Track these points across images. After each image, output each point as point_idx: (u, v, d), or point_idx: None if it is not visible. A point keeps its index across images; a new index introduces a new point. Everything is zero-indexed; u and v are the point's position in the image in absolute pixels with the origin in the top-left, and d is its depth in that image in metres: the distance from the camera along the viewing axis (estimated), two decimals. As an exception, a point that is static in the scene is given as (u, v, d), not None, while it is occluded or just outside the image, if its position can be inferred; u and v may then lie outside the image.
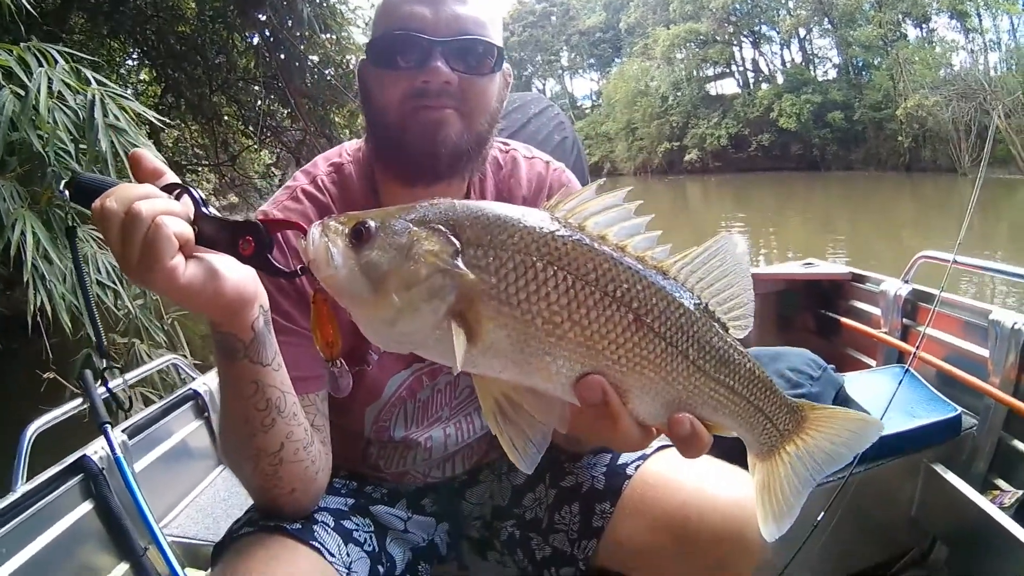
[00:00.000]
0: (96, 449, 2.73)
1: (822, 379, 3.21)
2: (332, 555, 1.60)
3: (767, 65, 73.28)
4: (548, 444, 1.11)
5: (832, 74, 67.48)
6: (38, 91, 4.63)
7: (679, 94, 70.05)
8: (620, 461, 1.83)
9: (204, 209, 1.18)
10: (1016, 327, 3.37)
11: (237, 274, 1.22)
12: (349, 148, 1.86)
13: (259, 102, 13.23)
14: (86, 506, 2.64)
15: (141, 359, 5.84)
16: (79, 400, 2.93)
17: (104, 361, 2.99)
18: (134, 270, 1.10)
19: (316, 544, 1.57)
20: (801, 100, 60.10)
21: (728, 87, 74.15)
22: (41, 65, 4.79)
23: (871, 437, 1.20)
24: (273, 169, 16.14)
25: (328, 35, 11.11)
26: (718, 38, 70.36)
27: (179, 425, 3.36)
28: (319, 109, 12.17)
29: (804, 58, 70.70)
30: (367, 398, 1.80)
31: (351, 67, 11.72)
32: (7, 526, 2.37)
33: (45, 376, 5.55)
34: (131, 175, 1.21)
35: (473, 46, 1.63)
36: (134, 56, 12.91)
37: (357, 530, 1.76)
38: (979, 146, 49.27)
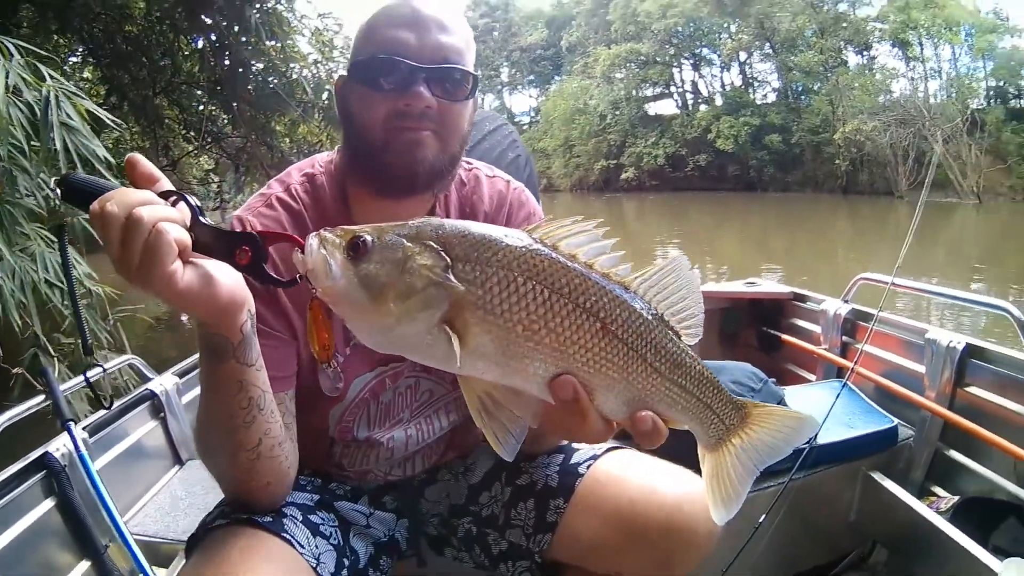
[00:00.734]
0: (58, 446, 2.74)
1: (763, 391, 3.37)
2: (302, 547, 1.68)
3: (707, 87, 74.89)
4: (525, 436, 1.24)
5: (771, 98, 68.97)
6: (-4, 85, 4.55)
7: (618, 113, 71.01)
8: (572, 461, 1.95)
9: (201, 217, 1.23)
10: (951, 345, 3.62)
11: (230, 279, 1.28)
12: (321, 160, 1.94)
13: (201, 107, 13.16)
14: (47, 504, 2.65)
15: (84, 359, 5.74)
16: (42, 397, 2.94)
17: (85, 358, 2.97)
18: (134, 273, 1.14)
19: (287, 536, 1.65)
20: (740, 122, 61.40)
21: (667, 108, 75.32)
22: (-4, 57, 4.70)
23: (806, 433, 1.37)
24: (212, 175, 16.02)
25: (273, 43, 11.07)
26: (659, 59, 71.48)
27: (136, 425, 3.38)
28: (260, 117, 12.11)
29: (744, 81, 72.27)
30: (332, 399, 1.88)
31: (294, 76, 11.71)
32: None
33: (15, 372, 5.42)
34: (128, 180, 1.24)
35: (453, 74, 1.72)
36: (78, 53, 12.71)
37: (323, 524, 1.83)
38: (917, 171, 50.94)
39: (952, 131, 50.87)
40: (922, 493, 3.50)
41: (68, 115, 4.94)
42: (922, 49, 61.40)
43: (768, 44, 67.50)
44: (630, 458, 1.93)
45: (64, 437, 2.77)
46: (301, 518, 1.78)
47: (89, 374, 2.76)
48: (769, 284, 5.46)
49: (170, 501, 3.24)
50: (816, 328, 4.82)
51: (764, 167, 60.76)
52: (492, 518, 2.02)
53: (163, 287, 1.15)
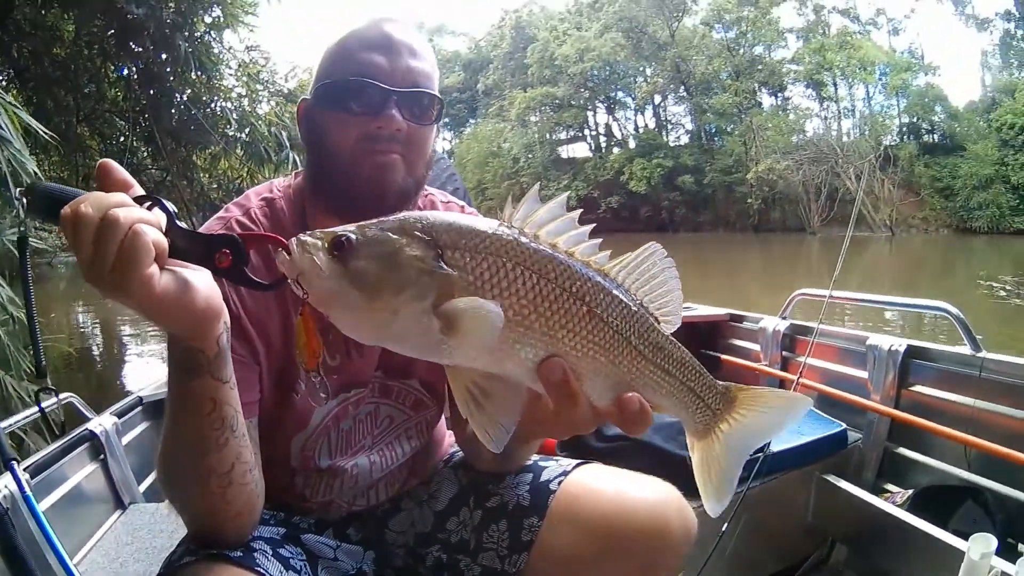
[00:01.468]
0: None
1: None
2: None
3: (620, 130, 76.87)
4: (514, 427, 1.22)
5: (685, 139, 71.19)
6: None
7: (531, 156, 72.41)
8: (543, 478, 1.94)
9: (176, 222, 1.20)
10: (893, 348, 3.88)
11: (207, 287, 1.24)
12: (279, 184, 1.95)
13: (123, 137, 12.95)
14: None
15: (5, 389, 5.57)
16: None
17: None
18: (106, 278, 1.09)
19: (260, 570, 1.61)
20: (652, 164, 63.06)
21: (580, 150, 77.31)
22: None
23: (799, 411, 1.35)
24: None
25: (199, 74, 10.98)
26: (573, 102, 73.22)
27: (77, 466, 3.24)
28: (182, 150, 11.94)
29: (658, 124, 74.34)
30: (294, 428, 1.86)
31: (218, 109, 11.61)
32: None
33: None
34: (99, 186, 1.18)
35: (422, 98, 1.76)
36: (3, 74, 12.40)
37: (292, 558, 1.81)
38: (829, 207, 52.61)
39: (865, 167, 52.62)
40: (876, 491, 3.64)
41: (2, 125, 4.85)
42: (836, 89, 64.03)
43: (683, 87, 69.54)
44: (600, 471, 1.93)
45: (5, 477, 2.56)
46: (271, 551, 1.75)
47: (45, 403, 2.71)
48: (704, 308, 5.63)
49: (115, 547, 3.11)
50: (755, 346, 5.01)
51: (676, 208, 62.81)
52: (462, 543, 1.99)
53: (139, 292, 1.10)
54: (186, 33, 10.31)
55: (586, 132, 76.74)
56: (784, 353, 4.74)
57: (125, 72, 11.64)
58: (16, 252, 1.59)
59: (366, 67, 1.71)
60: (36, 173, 5.01)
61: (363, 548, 2.05)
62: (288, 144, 11.72)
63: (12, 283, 5.44)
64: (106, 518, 3.30)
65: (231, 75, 11.83)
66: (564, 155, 76.47)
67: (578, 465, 1.96)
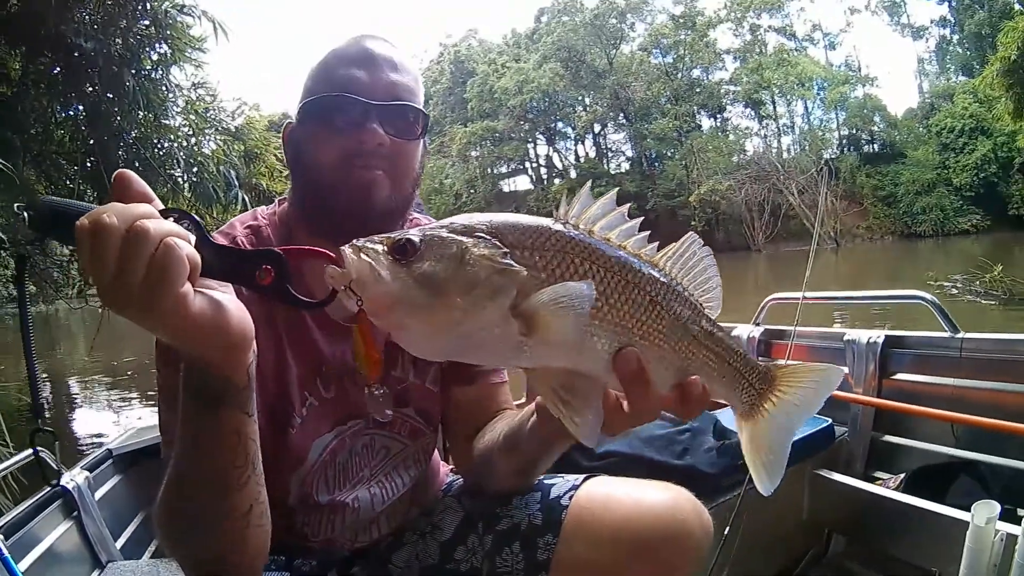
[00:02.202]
0: None
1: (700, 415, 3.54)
2: None
3: (561, 160, 77.51)
4: (602, 417, 1.24)
5: (625, 167, 71.78)
6: None
7: (473, 191, 72.76)
8: (552, 495, 1.89)
9: (207, 237, 1.14)
10: (872, 340, 4.05)
11: (240, 309, 1.17)
12: (263, 212, 1.93)
13: (69, 181, 12.71)
14: None
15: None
16: None
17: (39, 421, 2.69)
18: (134, 297, 1.02)
19: None
20: (594, 194, 62.94)
21: (522, 183, 77.78)
22: None
23: (835, 381, 1.39)
24: (75, 257, 15.42)
25: (146, 113, 10.85)
26: (514, 135, 73.57)
27: (50, 526, 3.08)
28: (130, 192, 11.76)
29: (598, 152, 75.24)
30: (292, 464, 1.81)
31: (165, 148, 11.49)
32: None
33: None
34: (116, 197, 1.08)
35: (405, 112, 1.75)
36: None
37: None
38: (773, 223, 53.33)
39: (807, 181, 53.57)
40: (867, 480, 3.74)
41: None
42: (775, 107, 65.16)
43: (622, 114, 70.11)
44: (610, 482, 1.88)
45: None
46: None
47: (18, 457, 2.61)
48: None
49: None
50: (730, 356, 5.08)
51: (619, 235, 62.97)
52: (474, 572, 1.94)
53: (171, 312, 1.04)
54: (134, 70, 10.18)
55: (527, 164, 77.31)
56: (761, 359, 4.79)
57: (72, 112, 11.46)
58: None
59: (346, 82, 1.71)
60: None
61: None
62: (237, 183, 11.69)
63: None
64: None
65: (178, 113, 11.71)
66: (506, 188, 77.10)
67: (586, 478, 1.91)
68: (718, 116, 70.25)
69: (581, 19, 70.86)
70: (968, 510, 2.66)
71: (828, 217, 51.03)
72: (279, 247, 1.20)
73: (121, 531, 3.46)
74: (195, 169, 11.50)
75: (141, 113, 10.65)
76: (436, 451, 2.18)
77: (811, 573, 3.75)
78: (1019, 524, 2.49)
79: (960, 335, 3.74)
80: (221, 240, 1.62)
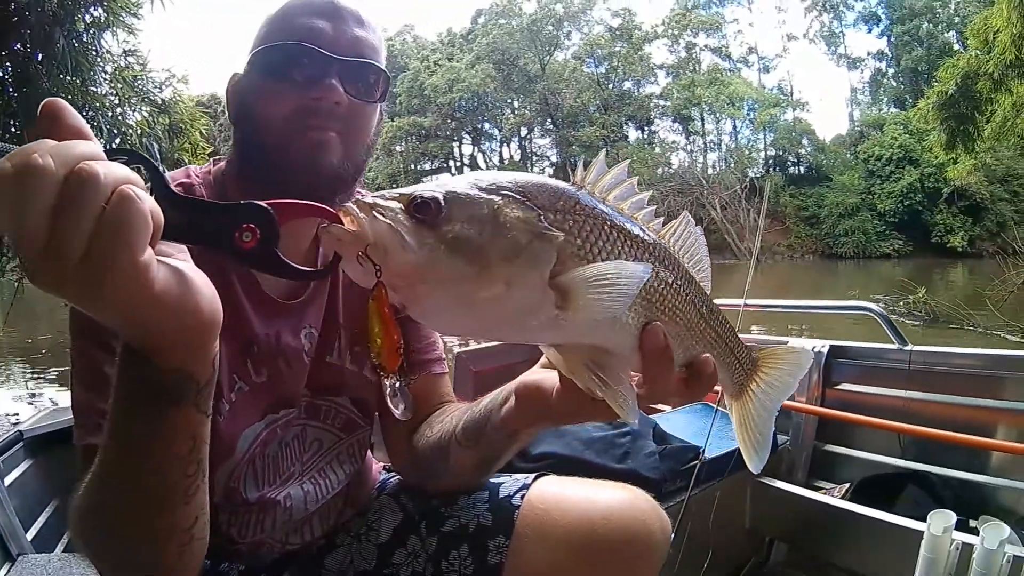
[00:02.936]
0: None
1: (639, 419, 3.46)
2: None
3: (485, 161, 78.00)
4: (635, 394, 1.16)
5: (549, 171, 72.25)
6: None
7: (395, 186, 71.21)
8: (501, 495, 1.81)
9: (170, 185, 0.91)
10: (816, 350, 4.04)
11: (207, 284, 0.95)
12: (196, 171, 1.73)
13: None
14: None
15: None
16: None
17: None
18: (73, 269, 0.78)
19: None
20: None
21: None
22: None
23: (806, 364, 1.40)
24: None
25: (74, 78, 10.45)
26: (440, 133, 73.99)
27: None
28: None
29: (523, 156, 76.03)
30: (220, 456, 1.59)
31: (90, 117, 11.09)
32: None
33: None
34: (44, 133, 0.82)
35: (368, 71, 1.61)
36: None
37: None
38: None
39: (731, 198, 54.84)
40: (808, 489, 3.76)
41: None
42: (703, 123, 66.43)
43: (550, 119, 70.76)
44: (562, 480, 1.81)
45: None
46: None
47: None
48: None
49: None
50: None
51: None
52: None
53: (126, 290, 0.82)
54: (66, 28, 9.81)
55: (451, 163, 77.69)
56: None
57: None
58: None
59: (307, 32, 1.55)
60: None
61: None
62: (159, 157, 11.26)
63: None
64: None
65: (106, 80, 11.33)
66: (428, 184, 76.84)
67: (537, 477, 1.83)
68: (646, 128, 71.57)
69: (518, 23, 71.75)
70: (917, 520, 2.73)
71: (750, 233, 52.40)
72: (266, 201, 0.95)
73: (32, 521, 3.12)
74: (117, 140, 11.10)
75: (68, 77, 10.22)
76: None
77: (753, 581, 3.74)
78: (970, 534, 2.56)
79: (909, 347, 3.80)
80: None
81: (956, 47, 51.99)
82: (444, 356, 1.97)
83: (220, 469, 1.61)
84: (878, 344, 3.98)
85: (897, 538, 2.89)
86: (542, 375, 1.40)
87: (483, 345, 4.07)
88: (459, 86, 68.95)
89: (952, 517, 2.57)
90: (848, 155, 62.42)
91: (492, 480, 1.84)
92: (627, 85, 71.22)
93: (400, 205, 0.96)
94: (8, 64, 10.25)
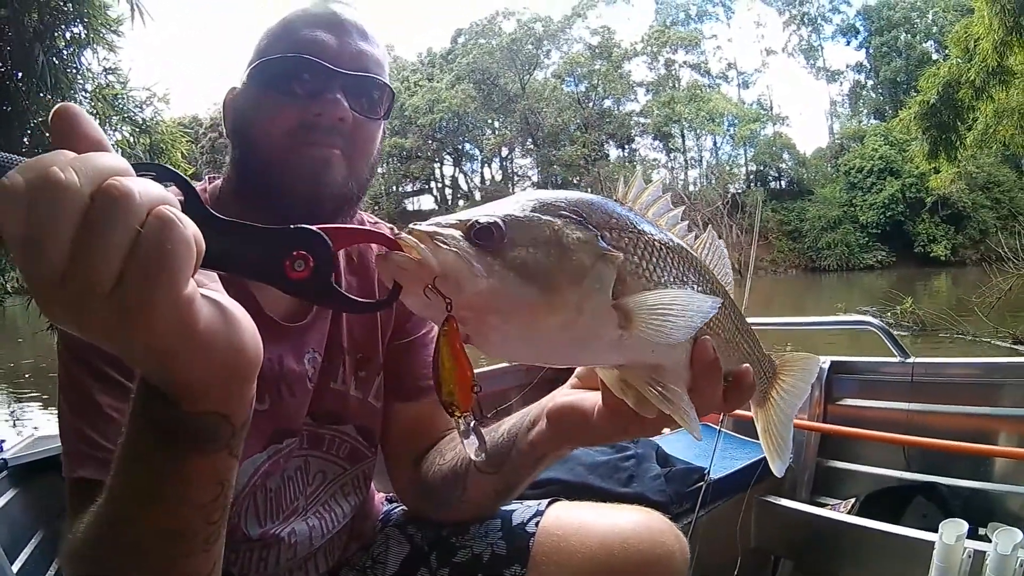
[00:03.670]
0: None
1: (641, 442, 3.52)
2: None
3: (467, 182, 78.13)
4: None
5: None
6: None
7: (377, 208, 72.18)
8: (515, 522, 1.77)
9: (206, 207, 0.81)
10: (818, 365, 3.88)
11: (248, 319, 0.85)
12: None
13: None
14: None
15: None
16: None
17: None
18: (102, 302, 0.68)
19: None
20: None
21: (426, 203, 78.09)
22: None
23: (815, 370, 1.43)
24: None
25: (53, 96, 10.30)
26: (420, 154, 73.84)
27: None
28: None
29: (504, 176, 75.90)
30: None
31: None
32: None
33: None
34: (58, 143, 0.72)
35: (372, 86, 1.57)
36: None
37: None
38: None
39: (713, 214, 55.27)
40: (813, 505, 3.77)
41: None
42: (684, 140, 66.87)
43: (531, 139, 70.94)
44: (576, 506, 1.78)
45: None
46: None
47: None
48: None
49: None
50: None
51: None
52: None
53: (169, 327, 0.72)
54: (46, 45, 9.71)
55: (432, 184, 77.68)
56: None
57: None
58: None
59: (310, 44, 1.50)
60: None
61: None
62: (138, 177, 11.18)
63: None
64: None
65: (86, 99, 11.21)
66: (410, 207, 76.89)
67: (550, 503, 1.79)
68: (626, 146, 71.93)
69: (498, 43, 71.93)
70: (927, 531, 2.76)
71: (732, 250, 52.69)
72: (319, 225, 0.87)
73: (18, 552, 2.93)
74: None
75: (48, 96, 10.09)
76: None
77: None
78: (981, 541, 2.59)
79: (911, 360, 3.82)
80: None
81: (935, 57, 52.52)
82: None
83: None
84: (880, 358, 4.01)
85: (906, 550, 2.90)
86: (576, 396, 1.36)
87: (477, 371, 3.94)
88: (439, 106, 68.91)
89: (964, 526, 2.59)
90: (829, 168, 63.11)
91: (503, 508, 1.79)
92: (607, 103, 71.65)
93: (459, 232, 0.91)
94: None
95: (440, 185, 77.45)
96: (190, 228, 0.70)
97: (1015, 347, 13.59)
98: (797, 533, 3.54)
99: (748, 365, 1.22)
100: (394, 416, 1.83)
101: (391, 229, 1.59)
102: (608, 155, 70.37)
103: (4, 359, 18.53)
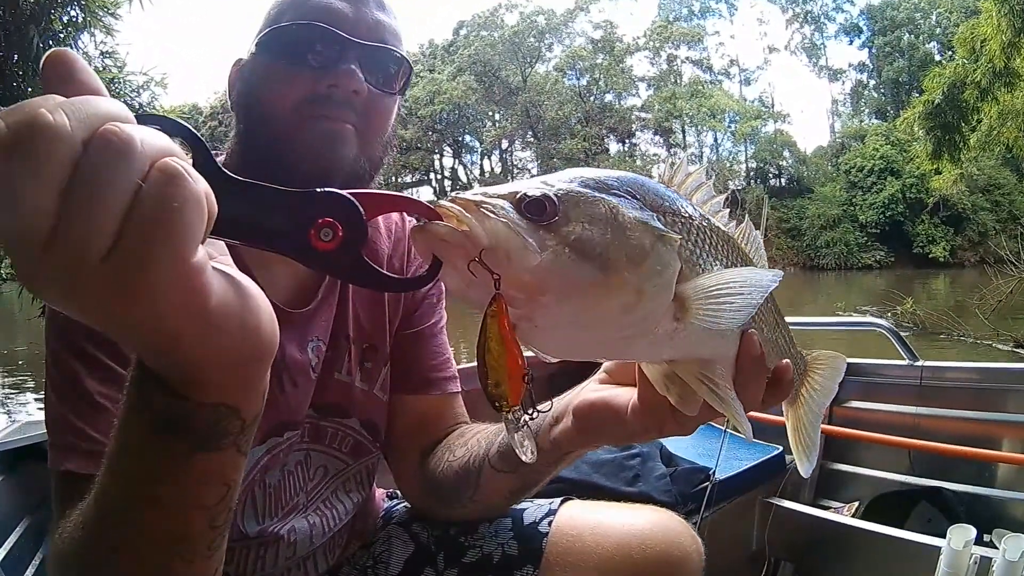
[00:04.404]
0: None
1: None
2: None
3: (466, 174, 77.67)
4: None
5: (531, 185, 73.28)
6: None
7: (376, 199, 72.55)
8: (527, 522, 1.72)
9: (218, 164, 0.72)
10: None
11: (263, 298, 0.76)
12: None
13: None
14: None
15: None
16: None
17: None
18: (95, 268, 0.58)
19: None
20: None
21: (425, 194, 77.30)
22: None
23: (843, 368, 1.38)
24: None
25: None
26: (420, 145, 73.57)
27: None
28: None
29: (504, 168, 75.59)
30: None
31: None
32: None
33: None
34: (51, 87, 0.62)
35: (390, 59, 1.49)
36: None
37: None
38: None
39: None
40: (817, 508, 3.74)
41: None
42: (684, 136, 66.73)
43: (531, 132, 70.70)
44: (590, 505, 1.74)
45: None
46: None
47: None
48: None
49: None
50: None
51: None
52: None
53: (175, 301, 0.62)
54: (42, 28, 9.64)
55: (432, 176, 77.41)
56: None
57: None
58: None
59: (323, 12, 1.42)
60: None
61: None
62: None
63: None
64: None
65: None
66: (409, 198, 77.02)
67: (563, 502, 1.74)
68: (627, 141, 71.82)
69: (500, 35, 71.90)
70: (930, 535, 2.77)
71: None
72: (348, 190, 0.76)
73: (2, 541, 2.79)
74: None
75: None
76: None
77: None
78: (988, 547, 2.59)
79: (920, 363, 3.81)
80: None
81: (938, 58, 52.57)
82: (457, 374, 1.84)
83: None
84: (887, 360, 3.99)
85: (911, 555, 2.89)
86: (606, 392, 1.27)
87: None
88: (440, 98, 68.89)
89: (972, 531, 2.59)
90: (829, 167, 63.22)
91: (515, 506, 1.73)
92: (608, 98, 71.76)
93: (509, 203, 0.82)
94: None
95: (439, 177, 77.25)
96: (201, 184, 0.61)
97: (1016, 350, 13.56)
98: (800, 536, 3.51)
99: (788, 361, 1.15)
100: (400, 409, 1.76)
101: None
102: (608, 149, 70.32)
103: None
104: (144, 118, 0.64)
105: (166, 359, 0.70)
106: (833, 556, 3.33)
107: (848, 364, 3.57)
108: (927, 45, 63.21)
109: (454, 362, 1.85)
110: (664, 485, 3.06)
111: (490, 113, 74.03)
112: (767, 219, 46.77)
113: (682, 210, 0.98)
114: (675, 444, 3.59)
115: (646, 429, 1.19)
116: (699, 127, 67.42)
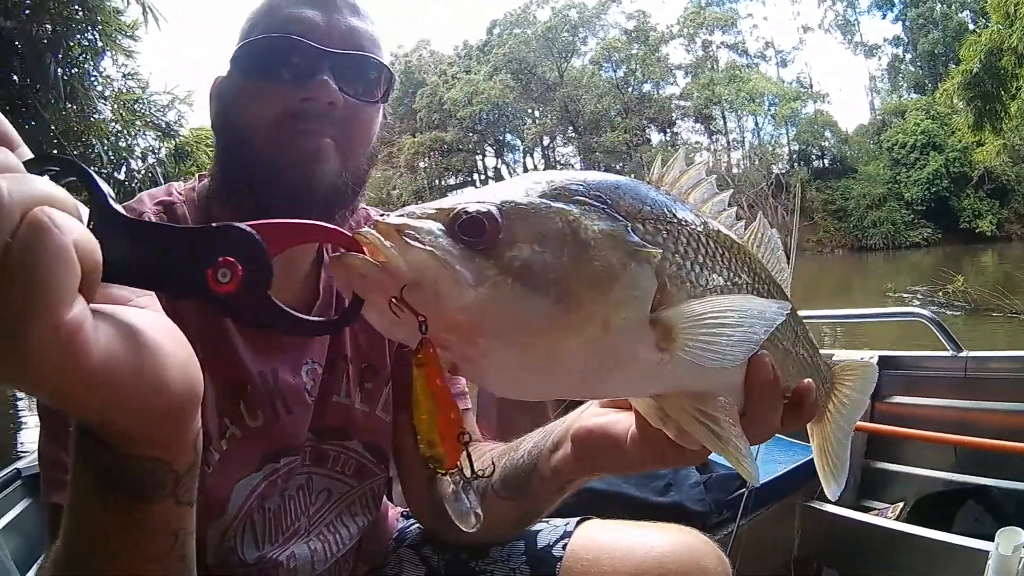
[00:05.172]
0: None
1: None
2: None
3: (509, 173, 77.67)
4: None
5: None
6: None
7: (421, 203, 72.84)
8: (540, 544, 1.63)
9: (112, 204, 0.65)
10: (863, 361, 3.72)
11: (180, 344, 0.71)
12: (179, 188, 1.53)
13: None
14: None
15: None
16: None
17: None
18: None
19: None
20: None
21: (469, 197, 79.05)
22: None
23: (874, 378, 1.27)
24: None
25: (72, 105, 10.32)
26: (462, 147, 74.16)
27: None
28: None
29: (547, 165, 75.81)
30: (210, 513, 1.38)
31: (93, 144, 10.99)
32: None
33: None
34: None
35: (367, 66, 1.43)
36: None
37: None
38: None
39: (757, 196, 55.01)
40: (859, 510, 3.63)
41: None
42: (725, 122, 66.68)
43: (572, 127, 70.95)
44: (607, 525, 1.63)
45: None
46: None
47: None
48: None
49: None
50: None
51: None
52: None
53: (51, 362, 0.56)
54: (59, 55, 9.67)
55: (475, 176, 77.66)
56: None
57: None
58: None
59: (294, 23, 1.36)
60: None
61: None
62: (163, 181, 11.27)
63: None
64: None
65: (105, 106, 11.18)
66: (454, 200, 77.93)
67: (579, 523, 1.64)
68: (668, 130, 71.43)
69: (533, 32, 71.96)
70: (979, 538, 2.67)
71: (779, 231, 52.95)
72: (250, 222, 0.69)
73: (30, 564, 2.73)
74: (123, 169, 10.97)
75: (67, 104, 10.07)
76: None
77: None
78: None
79: (964, 354, 3.64)
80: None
81: (972, 27, 51.91)
82: (467, 390, 1.74)
83: (211, 527, 1.41)
84: (930, 352, 3.83)
85: (958, 560, 2.76)
86: (605, 418, 1.18)
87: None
88: (478, 98, 69.09)
89: (1021, 535, 2.45)
90: (871, 145, 62.21)
91: (529, 528, 1.64)
92: (647, 88, 71.35)
93: (440, 225, 0.71)
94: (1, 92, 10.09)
95: (483, 177, 77.47)
96: (72, 234, 0.54)
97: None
98: (843, 541, 3.38)
99: (811, 380, 1.04)
100: (406, 429, 1.65)
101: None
102: (650, 140, 70.09)
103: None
104: (36, 160, 0.61)
105: (73, 413, 0.68)
106: (878, 561, 3.17)
107: (889, 358, 3.45)
108: (960, 14, 61.93)
109: (463, 378, 1.72)
110: (698, 493, 2.96)
111: (529, 110, 74.02)
112: (799, 207, 46.36)
113: (668, 215, 0.85)
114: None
115: (644, 461, 1.10)
116: (739, 112, 66.85)
